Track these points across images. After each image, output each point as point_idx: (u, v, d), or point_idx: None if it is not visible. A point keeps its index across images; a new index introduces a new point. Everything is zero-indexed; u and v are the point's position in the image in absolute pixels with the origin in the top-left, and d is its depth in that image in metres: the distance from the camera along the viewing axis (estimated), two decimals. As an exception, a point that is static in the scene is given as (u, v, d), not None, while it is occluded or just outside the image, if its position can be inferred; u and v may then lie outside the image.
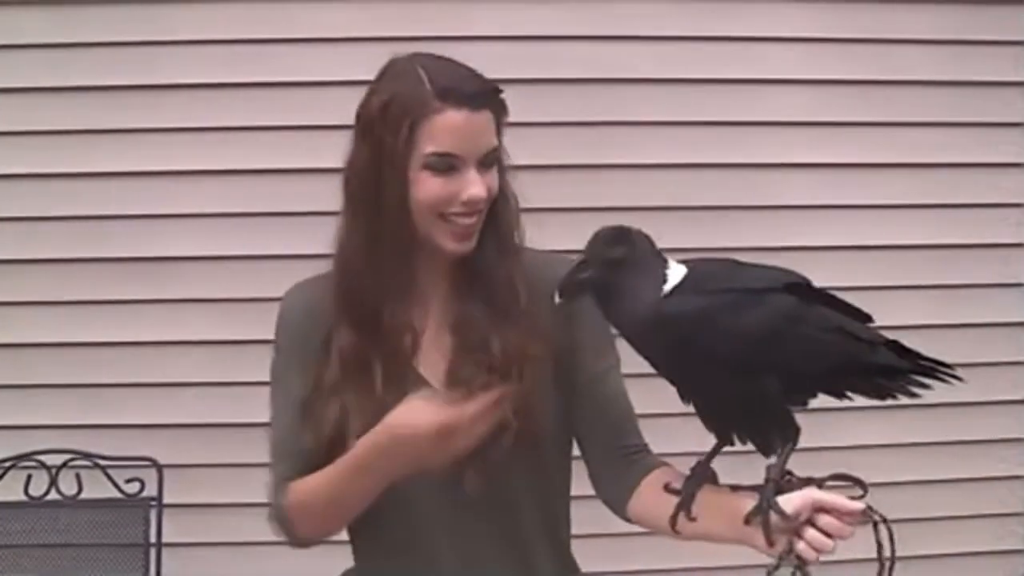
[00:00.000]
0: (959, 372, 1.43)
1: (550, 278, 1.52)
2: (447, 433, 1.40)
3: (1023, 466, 3.08)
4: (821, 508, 1.34)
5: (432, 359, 1.55)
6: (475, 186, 1.47)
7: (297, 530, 1.56)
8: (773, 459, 1.39)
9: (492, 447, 1.47)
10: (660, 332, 1.37)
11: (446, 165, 1.46)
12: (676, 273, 1.40)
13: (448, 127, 1.45)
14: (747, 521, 1.37)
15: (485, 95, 1.48)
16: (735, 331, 1.35)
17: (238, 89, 2.89)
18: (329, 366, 1.53)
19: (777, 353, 1.37)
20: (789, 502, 1.34)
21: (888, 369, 1.42)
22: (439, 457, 1.42)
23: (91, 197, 2.88)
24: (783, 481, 1.38)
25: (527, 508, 1.58)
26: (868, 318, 1.45)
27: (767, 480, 1.37)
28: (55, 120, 2.87)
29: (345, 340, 1.53)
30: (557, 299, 1.44)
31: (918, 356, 1.44)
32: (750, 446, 1.43)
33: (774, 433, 1.40)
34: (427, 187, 1.47)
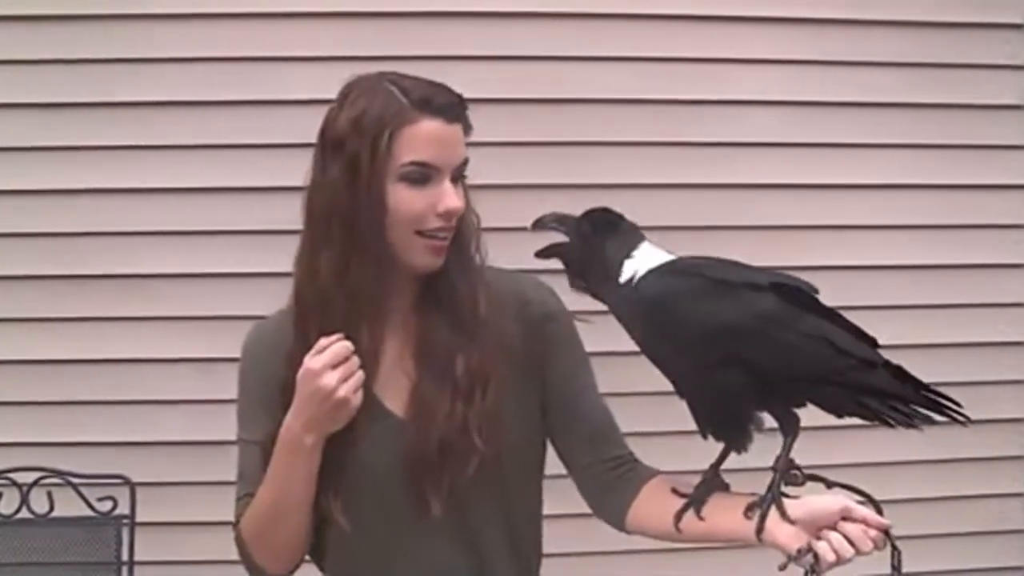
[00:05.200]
0: (959, 399, 1.39)
1: (515, 296, 1.53)
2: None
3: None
4: (848, 516, 1.33)
5: (395, 381, 1.52)
6: (450, 197, 1.46)
7: (254, 553, 1.54)
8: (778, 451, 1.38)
9: (456, 470, 1.47)
10: (631, 307, 1.39)
11: (422, 176, 1.44)
12: (654, 256, 1.41)
13: (426, 136, 1.44)
14: (746, 512, 1.37)
15: (458, 107, 1.48)
16: (696, 316, 1.35)
17: (220, 107, 2.88)
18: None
19: (745, 349, 1.35)
20: (820, 501, 1.34)
21: (879, 391, 1.37)
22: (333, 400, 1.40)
23: (63, 214, 2.87)
24: (789, 474, 1.37)
25: (490, 530, 1.55)
26: (872, 342, 1.40)
27: (773, 471, 1.36)
28: (28, 136, 2.85)
29: None
30: (530, 227, 1.47)
31: (922, 385, 1.38)
32: (766, 460, 1.40)
33: (736, 431, 1.38)
34: (403, 200, 1.45)
